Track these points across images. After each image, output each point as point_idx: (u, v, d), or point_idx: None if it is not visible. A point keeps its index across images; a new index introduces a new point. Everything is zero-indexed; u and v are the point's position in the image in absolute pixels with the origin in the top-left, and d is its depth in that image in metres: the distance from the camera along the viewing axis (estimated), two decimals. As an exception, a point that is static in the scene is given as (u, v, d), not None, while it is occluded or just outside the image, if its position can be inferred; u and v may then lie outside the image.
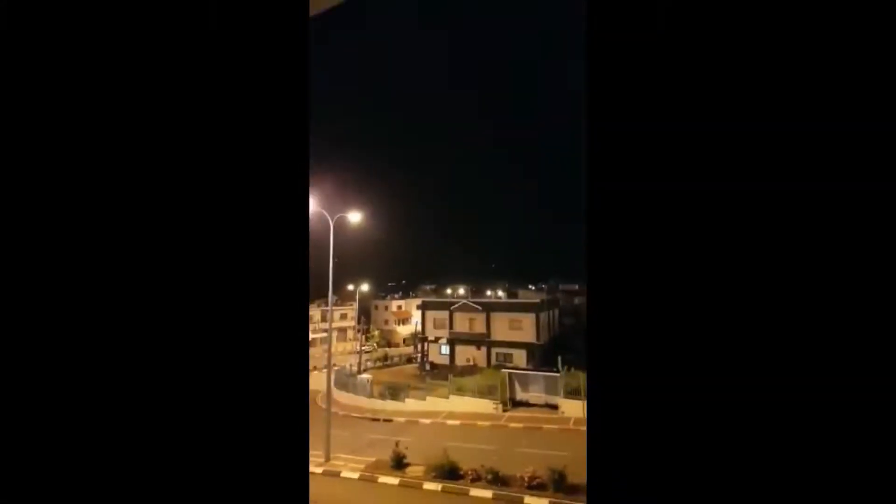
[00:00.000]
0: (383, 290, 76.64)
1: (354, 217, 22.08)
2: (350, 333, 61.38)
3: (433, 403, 26.68)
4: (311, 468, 17.73)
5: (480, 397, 25.91)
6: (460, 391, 26.81)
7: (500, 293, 57.79)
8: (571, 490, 14.44)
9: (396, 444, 17.74)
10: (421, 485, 15.63)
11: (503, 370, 28.83)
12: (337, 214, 21.15)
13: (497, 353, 40.23)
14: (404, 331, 62.89)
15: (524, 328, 38.93)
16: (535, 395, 25.61)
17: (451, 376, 29.70)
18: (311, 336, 56.17)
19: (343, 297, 63.18)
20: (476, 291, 64.80)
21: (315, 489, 14.72)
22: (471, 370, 34.85)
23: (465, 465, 15.84)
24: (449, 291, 69.48)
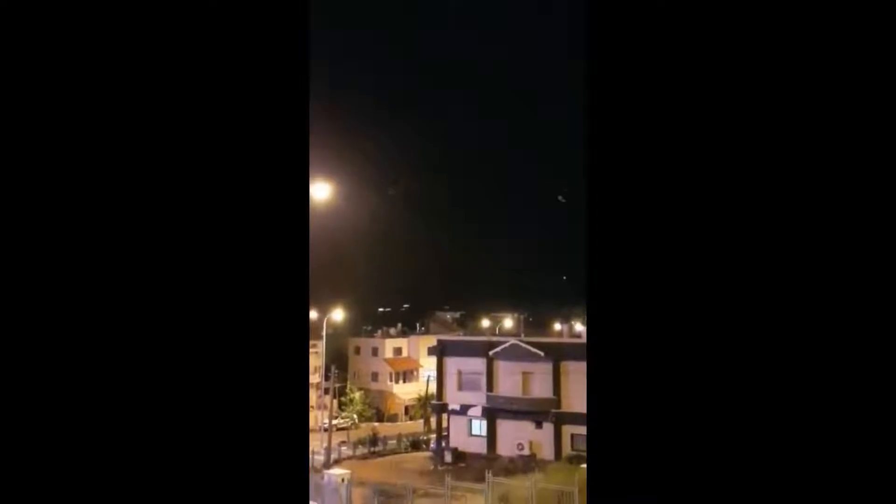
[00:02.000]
0: (370, 320, 50.81)
1: (319, 192, 15.41)
2: (312, 396, 36.42)
3: (459, 526, 20.55)
4: None
5: (545, 517, 19.74)
6: (506, 502, 19.79)
7: (580, 327, 41.13)
8: None
9: None
10: None
11: (584, 466, 19.79)
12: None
13: (573, 436, 28.39)
14: (407, 392, 39.81)
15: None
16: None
17: (489, 475, 21.12)
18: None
19: (301, 334, 38.35)
20: (535, 323, 48.80)
21: None
22: (525, 465, 25.53)
23: None
24: (486, 324, 42.79)
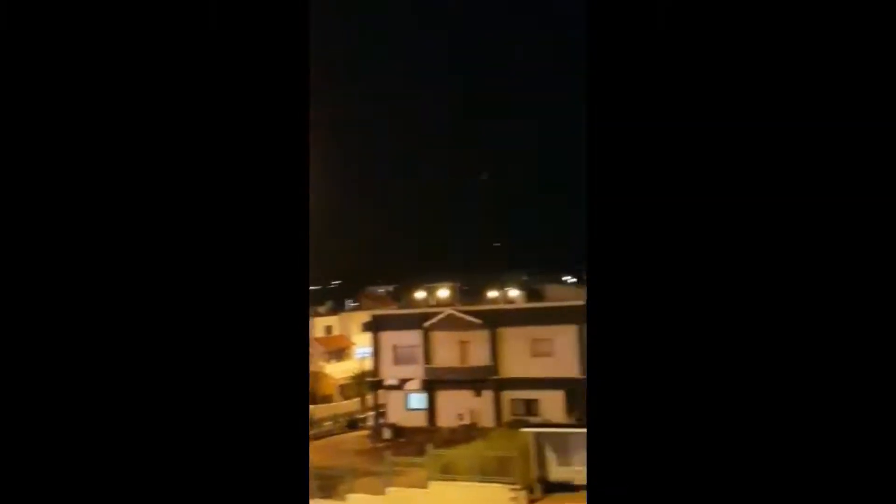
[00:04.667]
0: (298, 298, 48.83)
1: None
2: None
3: (401, 500, 19.25)
4: None
5: (486, 481, 18.69)
6: (449, 473, 19.38)
7: (513, 292, 42.35)
8: None
9: None
10: None
11: (524, 429, 20.96)
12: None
13: (513, 401, 28.92)
14: (340, 371, 38.72)
15: (557, 353, 28.15)
16: (583, 469, 16.57)
17: (430, 448, 21.01)
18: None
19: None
20: (470, 292, 47.49)
21: None
22: (466, 434, 25.57)
23: None
24: (421, 295, 42.14)
